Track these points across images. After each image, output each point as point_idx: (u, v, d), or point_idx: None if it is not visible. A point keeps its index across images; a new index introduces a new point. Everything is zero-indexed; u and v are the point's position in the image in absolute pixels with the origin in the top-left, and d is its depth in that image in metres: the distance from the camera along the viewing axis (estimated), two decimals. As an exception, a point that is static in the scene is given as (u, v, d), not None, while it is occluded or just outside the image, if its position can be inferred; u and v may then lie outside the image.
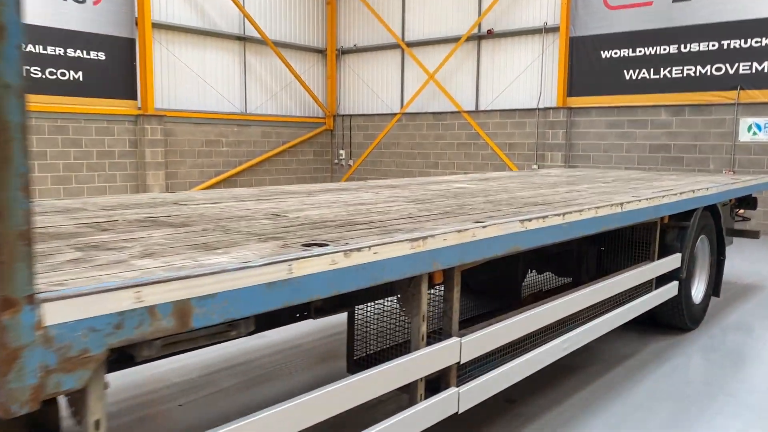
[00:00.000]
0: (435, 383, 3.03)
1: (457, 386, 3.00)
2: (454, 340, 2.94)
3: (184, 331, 1.81)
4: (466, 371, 3.12)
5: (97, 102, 13.26)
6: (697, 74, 12.45)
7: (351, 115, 18.00)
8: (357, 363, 3.42)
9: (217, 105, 15.51)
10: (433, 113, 16.45)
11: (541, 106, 14.62)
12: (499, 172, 8.89)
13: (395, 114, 17.11)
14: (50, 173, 12.71)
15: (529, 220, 3.32)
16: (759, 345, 5.61)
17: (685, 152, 12.73)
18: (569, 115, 14.12)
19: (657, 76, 12.89)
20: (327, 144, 18.18)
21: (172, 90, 14.65)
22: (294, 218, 3.15)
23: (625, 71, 13.25)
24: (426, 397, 2.83)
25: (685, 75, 12.58)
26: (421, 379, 2.78)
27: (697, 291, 6.09)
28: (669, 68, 12.74)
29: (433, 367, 2.81)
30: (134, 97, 13.88)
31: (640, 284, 4.88)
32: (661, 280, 5.31)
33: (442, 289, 3.07)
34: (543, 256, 5.91)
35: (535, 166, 14.73)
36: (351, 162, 17.96)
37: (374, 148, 17.58)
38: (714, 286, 6.40)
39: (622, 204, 4.25)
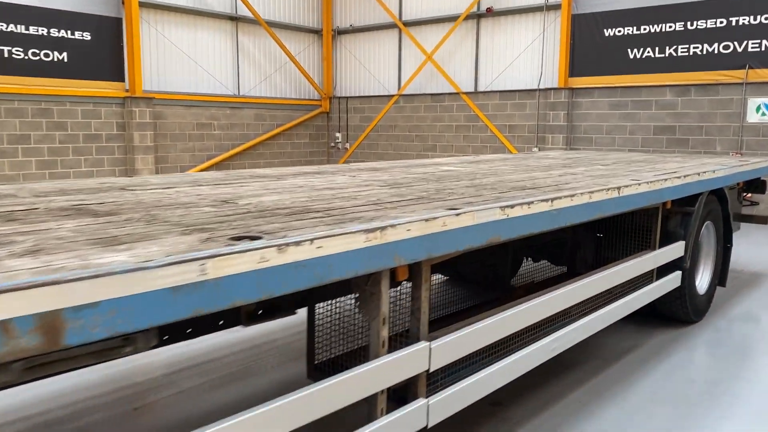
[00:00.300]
0: (402, 393, 2.67)
1: (427, 397, 2.64)
2: (422, 345, 2.57)
3: (57, 350, 1.44)
4: (438, 379, 2.75)
5: (83, 84, 12.85)
6: (704, 52, 11.96)
7: (347, 97, 17.55)
8: (318, 368, 3.06)
9: (208, 87, 15.08)
10: (431, 95, 15.99)
11: (541, 87, 14.15)
12: (495, 154, 8.50)
13: (392, 96, 16.66)
14: (35, 157, 12.34)
15: (512, 206, 2.94)
16: (767, 338, 5.24)
17: (691, 134, 12.28)
18: (571, 96, 13.66)
19: (662, 55, 12.40)
20: (323, 127, 17.75)
21: (161, 71, 14.22)
22: (243, 205, 2.77)
23: (629, 50, 12.77)
24: (389, 411, 2.46)
25: (691, 53, 12.09)
26: (382, 391, 2.41)
27: (702, 281, 5.70)
28: (675, 46, 12.25)
29: (396, 377, 2.44)
30: (122, 79, 13.46)
31: (638, 276, 4.50)
32: (663, 270, 4.93)
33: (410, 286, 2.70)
34: (537, 244, 5.54)
35: (535, 149, 14.30)
36: (347, 145, 17.54)
37: (371, 130, 17.15)
38: (720, 275, 6.02)
39: (619, 188, 3.86)
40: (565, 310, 3.64)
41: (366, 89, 17.33)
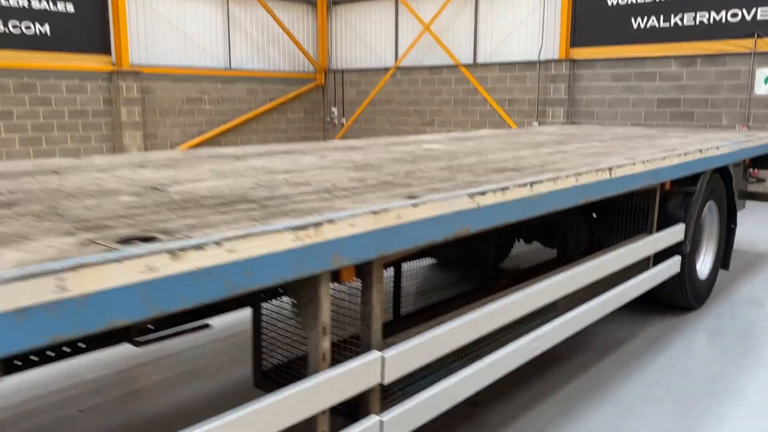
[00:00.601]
0: (353, 408, 2.34)
1: (381, 413, 2.31)
2: (373, 355, 2.23)
3: None
4: (395, 391, 2.41)
5: (67, 57, 12.42)
6: (711, 21, 11.43)
7: (343, 70, 17.06)
8: (266, 375, 2.73)
9: (198, 60, 14.62)
10: (429, 67, 15.49)
11: (542, 59, 13.65)
12: (488, 130, 8.10)
13: (389, 68, 16.16)
14: (18, 134, 11.98)
15: (483, 193, 2.57)
16: (773, 328, 4.88)
17: (696, 107, 11.80)
18: (572, 68, 13.17)
19: (667, 24, 11.88)
20: (318, 101, 17.29)
21: (149, 44, 13.76)
22: (171, 193, 2.42)
23: (632, 19, 12.23)
24: (333, 432, 2.14)
25: (697, 22, 11.56)
26: (323, 411, 2.08)
27: (704, 265, 5.34)
28: (680, 15, 11.72)
29: (340, 394, 2.11)
30: (108, 52, 13.02)
31: (633, 264, 4.14)
32: (661, 256, 4.57)
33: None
34: (529, 226, 5.19)
35: (535, 123, 13.85)
36: (344, 120, 17.10)
37: (367, 105, 16.69)
38: (723, 258, 5.65)
39: (611, 169, 3.48)
40: (548, 304, 3.29)
41: (362, 62, 16.83)
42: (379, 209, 2.11)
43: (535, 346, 3.14)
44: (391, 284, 3.88)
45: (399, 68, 16.00)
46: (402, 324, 3.51)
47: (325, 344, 2.08)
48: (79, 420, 3.46)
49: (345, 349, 2.35)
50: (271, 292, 2.71)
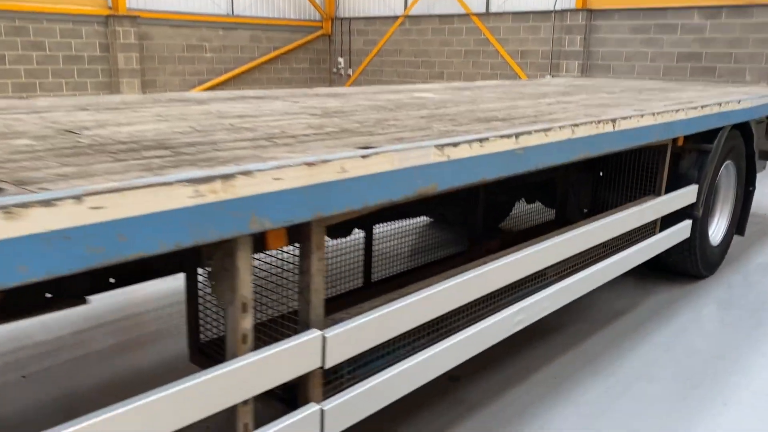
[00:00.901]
0: (292, 394, 2.01)
1: (322, 401, 1.97)
2: (312, 334, 1.88)
3: None
4: (342, 375, 2.07)
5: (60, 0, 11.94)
6: (740, -31, 10.69)
7: (350, 18, 16.39)
8: (202, 350, 2.40)
9: (199, 6, 14.05)
10: (439, 16, 14.81)
11: (557, 8, 12.94)
12: (490, 81, 7.60)
13: (398, 17, 15.49)
14: (11, 79, 11.60)
15: (455, 145, 2.18)
16: (789, 300, 4.49)
17: (718, 61, 11.15)
18: (589, 19, 12.48)
19: (692, -28, 11.14)
20: (324, 51, 16.69)
21: (147, -13, 13.21)
22: (82, 137, 2.05)
23: (655, -34, 11.50)
24: (258, 426, 1.80)
25: (725, -30, 10.83)
26: (244, 402, 1.74)
27: (717, 230, 4.93)
28: (707, -39, 10.97)
29: (267, 380, 1.77)
30: (103, -5, 12.52)
31: (636, 228, 3.74)
32: (671, 219, 4.16)
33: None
34: (529, 184, 4.80)
35: (548, 76, 13.23)
36: (350, 71, 16.53)
37: (375, 55, 16.08)
38: (738, 223, 5.23)
39: (614, 120, 3.06)
40: (536, 273, 2.92)
41: (370, 10, 16.15)
42: (317, 160, 1.73)
43: (519, 319, 2.78)
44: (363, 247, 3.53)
45: (408, 17, 15.34)
46: (371, 291, 3.17)
47: (245, 323, 1.73)
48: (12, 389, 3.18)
49: (285, 327, 2.00)
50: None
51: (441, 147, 2.12)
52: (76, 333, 3.72)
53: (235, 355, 1.73)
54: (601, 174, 4.64)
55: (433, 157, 2.10)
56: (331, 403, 1.97)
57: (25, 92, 11.77)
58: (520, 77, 13.70)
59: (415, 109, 3.36)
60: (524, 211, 5.78)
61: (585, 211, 4.79)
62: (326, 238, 1.97)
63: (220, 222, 1.52)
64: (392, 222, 3.98)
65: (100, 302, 3.55)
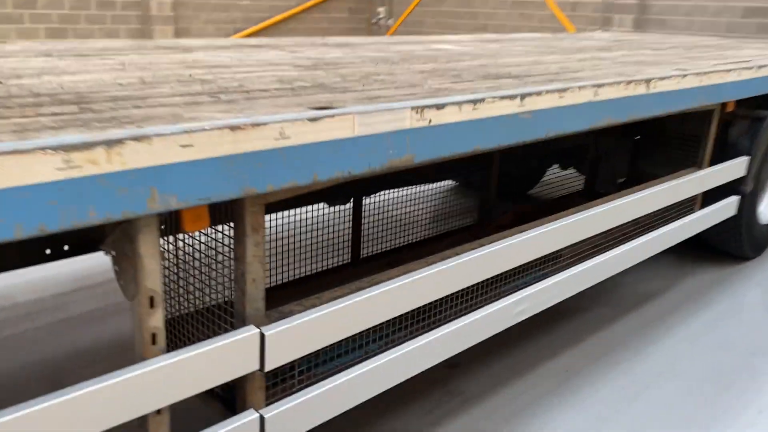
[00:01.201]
0: (233, 395, 1.72)
1: (264, 407, 1.68)
2: (248, 332, 1.57)
3: None
4: (288, 377, 1.77)
5: (93, -58, 11.66)
6: None
7: (392, -34, 15.70)
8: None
9: (235, -50, 13.60)
10: (486, -36, 14.03)
11: (612, -43, 12.05)
12: (525, 33, 7.03)
13: (442, -35, 14.75)
14: (43, 24, 11.46)
15: (440, 107, 1.80)
16: None
17: (789, 17, 10.21)
18: (646, -32, 11.58)
19: None
20: (364, 0, 16.07)
21: (182, -70, 12.80)
22: (5, 86, 1.75)
23: None
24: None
25: None
26: (158, 411, 1.45)
27: (767, 207, 4.41)
28: None
29: (189, 386, 1.47)
30: (137, -62, 12.17)
31: (672, 205, 3.30)
32: (715, 194, 3.69)
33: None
34: (563, 148, 4.39)
35: (599, 31, 12.42)
36: (391, 21, 15.90)
37: (417, 5, 15.40)
38: (793, 199, 4.69)
39: (649, 81, 2.61)
40: (541, 258, 2.54)
41: (413, -43, 15.39)
42: (246, 123, 1.39)
43: (521, 309, 2.42)
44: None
45: (452, -35, 14.58)
46: (359, 270, 2.85)
47: (154, 321, 1.43)
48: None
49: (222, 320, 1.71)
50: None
51: (420, 109, 1.75)
52: (59, 295, 3.53)
53: (142, 358, 1.43)
54: (638, 140, 4.19)
55: (410, 121, 1.74)
56: (274, 411, 1.67)
57: (59, 38, 11.63)
58: (568, 31, 12.91)
59: (420, 63, 2.97)
60: (559, 177, 5.35)
61: (620, 181, 4.35)
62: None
63: (104, 201, 1.21)
64: (408, 187, 3.61)
65: (86, 263, 3.33)
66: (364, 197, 3.23)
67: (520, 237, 2.28)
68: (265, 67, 2.53)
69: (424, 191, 3.84)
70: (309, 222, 3.10)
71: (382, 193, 3.44)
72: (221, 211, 1.59)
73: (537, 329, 3.25)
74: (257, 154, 1.42)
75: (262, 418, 1.65)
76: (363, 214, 3.08)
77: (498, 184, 4.95)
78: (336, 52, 3.40)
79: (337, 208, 3.17)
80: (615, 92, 2.44)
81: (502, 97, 2.00)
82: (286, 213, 2.99)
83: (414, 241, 3.37)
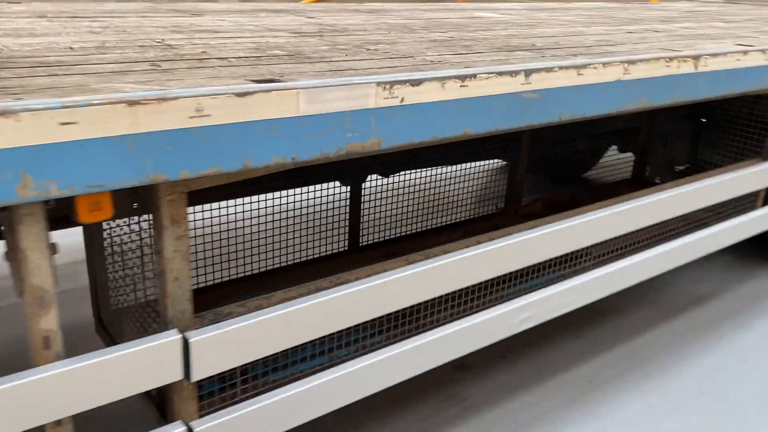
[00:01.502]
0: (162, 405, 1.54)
1: (195, 420, 1.49)
2: (168, 337, 1.37)
3: None
4: (233, 385, 1.57)
5: None
6: None
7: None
8: (104, 324, 1.97)
9: None
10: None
11: None
12: (607, 2, 6.48)
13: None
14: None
15: (416, 83, 1.53)
16: None
17: None
18: (740, -67, 10.59)
19: None
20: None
21: None
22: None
23: None
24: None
25: None
26: (57, 422, 1.29)
27: None
28: None
29: (96, 395, 1.30)
30: None
31: (728, 201, 2.90)
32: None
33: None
34: (619, 130, 4.05)
35: (684, 0, 11.52)
36: (461, -10, 15.34)
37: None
38: None
39: (697, 58, 2.23)
40: (559, 257, 2.24)
41: None
42: (150, 97, 1.17)
43: (526, 316, 2.14)
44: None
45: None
46: (358, 257, 2.62)
47: (46, 323, 1.25)
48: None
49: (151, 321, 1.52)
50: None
51: (389, 85, 1.49)
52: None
53: (34, 364, 1.26)
54: (703, 123, 3.75)
55: (375, 99, 1.48)
56: (206, 424, 1.48)
57: None
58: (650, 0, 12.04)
59: (439, 31, 2.67)
60: (616, 160, 4.93)
61: (679, 169, 3.93)
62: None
63: (-46, 187, 1.02)
64: (442, 166, 3.32)
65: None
66: (383, 177, 2.99)
67: (521, 236, 1.98)
68: (257, 34, 2.30)
69: (463, 170, 3.51)
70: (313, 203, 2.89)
71: (405, 172, 3.19)
72: (145, 200, 1.38)
73: (563, 332, 2.95)
74: (164, 133, 1.20)
75: (190, 431, 1.46)
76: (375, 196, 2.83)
77: (543, 165, 4.60)
78: (358, 18, 3.14)
79: (344, 188, 2.95)
80: (652, 70, 2.08)
81: (500, 73, 1.70)
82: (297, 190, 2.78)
83: (423, 229, 3.09)
